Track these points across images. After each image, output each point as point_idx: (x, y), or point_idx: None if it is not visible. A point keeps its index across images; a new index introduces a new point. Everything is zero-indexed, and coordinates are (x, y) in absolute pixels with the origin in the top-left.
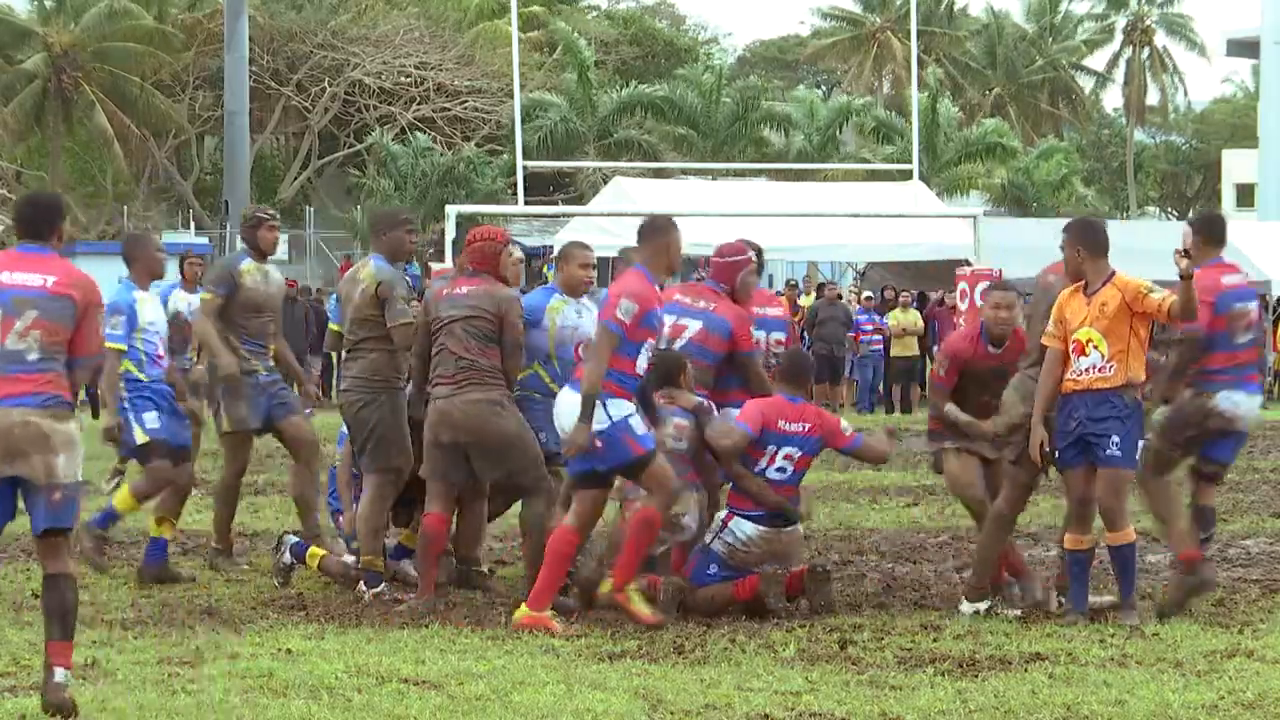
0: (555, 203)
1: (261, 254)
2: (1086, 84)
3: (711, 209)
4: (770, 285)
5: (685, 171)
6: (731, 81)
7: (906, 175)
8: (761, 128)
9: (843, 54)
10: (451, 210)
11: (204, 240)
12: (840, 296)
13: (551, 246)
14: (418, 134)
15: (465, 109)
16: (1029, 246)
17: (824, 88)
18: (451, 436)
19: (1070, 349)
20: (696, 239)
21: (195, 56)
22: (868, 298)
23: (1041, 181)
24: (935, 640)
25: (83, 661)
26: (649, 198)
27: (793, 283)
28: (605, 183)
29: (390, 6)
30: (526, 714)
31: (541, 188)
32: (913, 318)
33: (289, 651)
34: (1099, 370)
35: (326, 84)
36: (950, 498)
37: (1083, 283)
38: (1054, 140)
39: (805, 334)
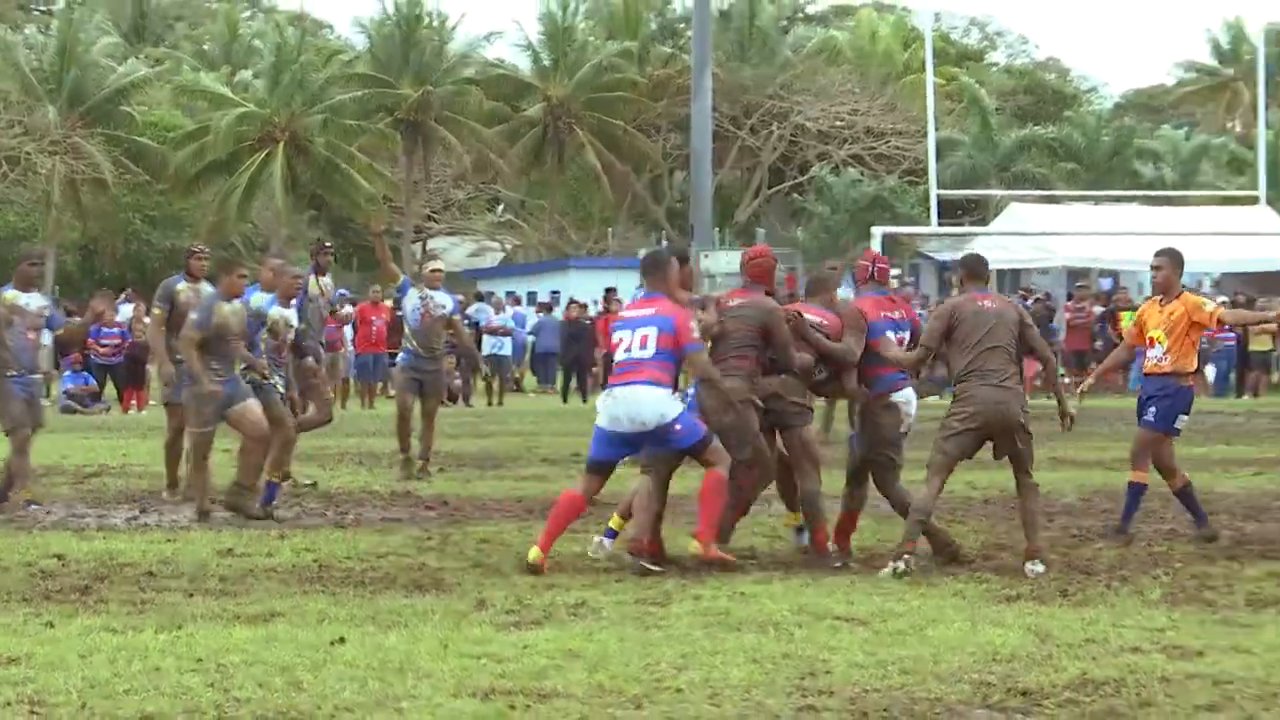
0: (963, 224)
1: (194, 278)
2: None
3: (1092, 229)
4: (1140, 293)
5: (1071, 198)
6: (1109, 124)
7: (1254, 200)
8: (1135, 162)
9: (1200, 100)
10: (876, 230)
11: None
12: None
13: (958, 261)
14: (850, 168)
15: (889, 147)
16: None
17: (1186, 128)
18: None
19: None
20: (1083, 254)
21: (666, 105)
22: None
23: None
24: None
25: (574, 602)
26: (1039, 220)
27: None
28: (1004, 207)
29: (829, 64)
30: (938, 646)
31: (951, 212)
32: None
33: (742, 594)
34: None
35: (774, 127)
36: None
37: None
38: None
39: None
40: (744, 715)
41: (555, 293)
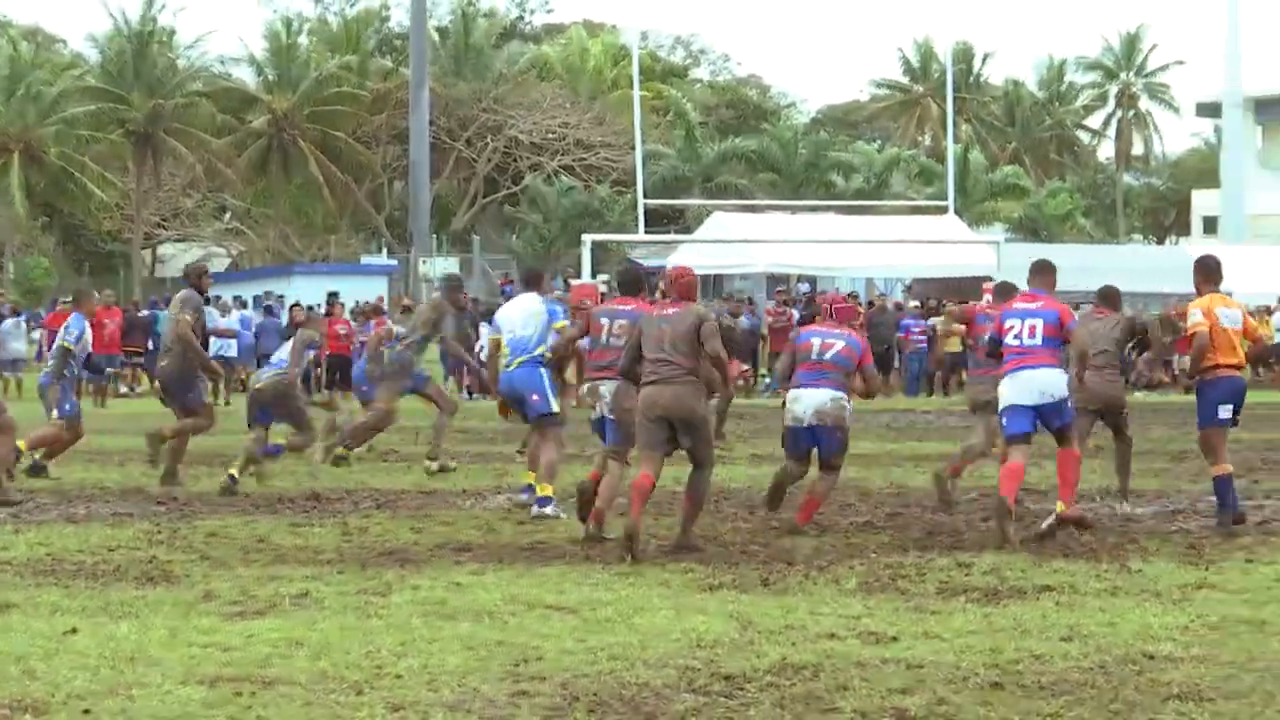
0: (668, 232)
1: None
2: (1085, 138)
3: (791, 237)
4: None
5: (770, 207)
6: (806, 136)
7: (943, 210)
8: (830, 173)
9: (893, 115)
10: (587, 238)
11: (393, 261)
12: (886, 306)
13: (665, 266)
14: (561, 178)
15: (598, 158)
16: None
17: (878, 141)
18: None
19: None
20: (781, 260)
21: (386, 118)
22: (915, 306)
23: (1050, 215)
24: (967, 575)
25: (296, 592)
26: (741, 228)
27: (853, 294)
28: (707, 216)
29: (540, 79)
30: (645, 633)
31: (658, 220)
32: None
33: (458, 584)
34: None
35: (489, 139)
36: (978, 463)
37: None
38: (1060, 182)
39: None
40: (461, 700)
41: (280, 297)
